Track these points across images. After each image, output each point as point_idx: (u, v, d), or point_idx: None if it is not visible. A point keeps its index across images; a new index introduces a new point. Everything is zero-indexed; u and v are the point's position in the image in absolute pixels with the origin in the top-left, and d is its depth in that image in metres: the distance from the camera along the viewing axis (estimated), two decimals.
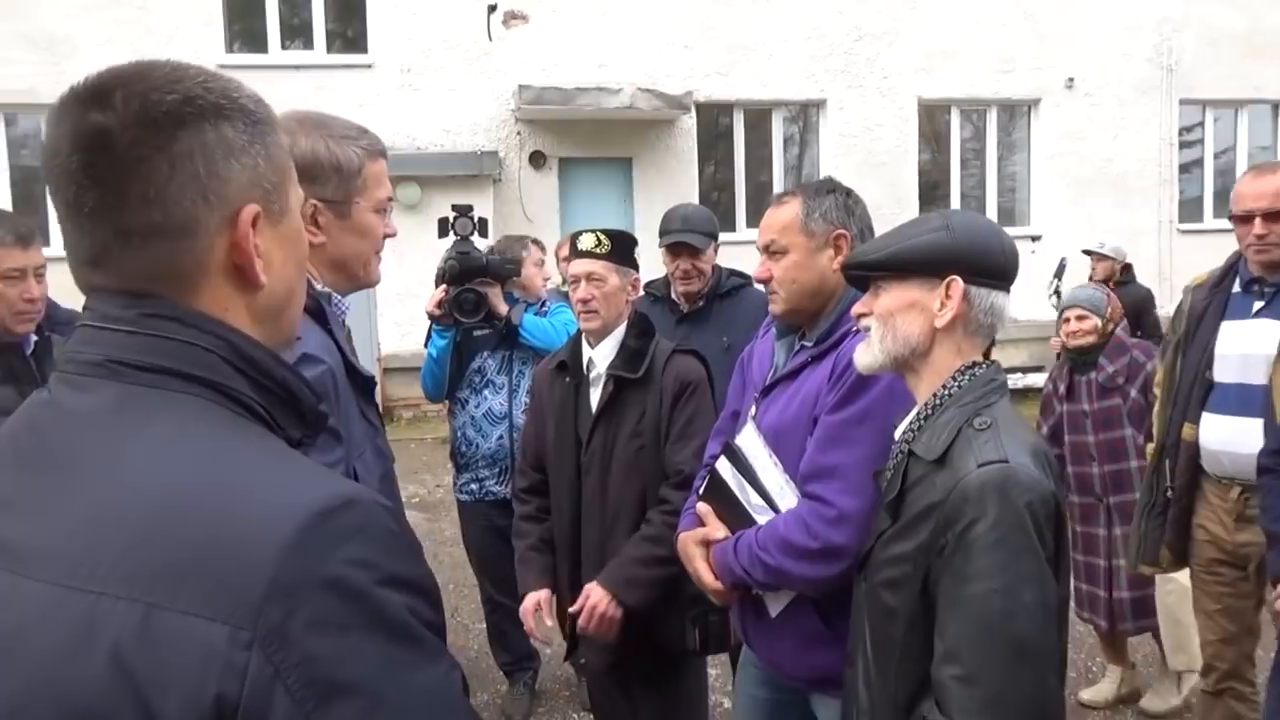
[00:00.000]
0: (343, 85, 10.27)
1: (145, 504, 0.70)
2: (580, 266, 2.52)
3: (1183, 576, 3.19)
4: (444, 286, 3.32)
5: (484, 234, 3.44)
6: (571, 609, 2.43)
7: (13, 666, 0.67)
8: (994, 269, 1.47)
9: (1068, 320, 3.59)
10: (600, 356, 2.55)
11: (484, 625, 3.88)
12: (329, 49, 10.68)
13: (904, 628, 1.38)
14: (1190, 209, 12.22)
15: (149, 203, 0.76)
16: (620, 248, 2.55)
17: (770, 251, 2.00)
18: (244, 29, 10.59)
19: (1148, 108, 11.77)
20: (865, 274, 1.55)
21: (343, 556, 0.69)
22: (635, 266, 2.62)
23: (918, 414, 1.47)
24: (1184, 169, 12.27)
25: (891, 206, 11.04)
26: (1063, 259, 6.83)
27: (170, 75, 0.79)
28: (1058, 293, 6.46)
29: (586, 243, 2.53)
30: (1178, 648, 3.44)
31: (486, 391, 3.54)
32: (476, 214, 3.40)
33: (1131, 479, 3.41)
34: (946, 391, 1.44)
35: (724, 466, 2.02)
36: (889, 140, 11.41)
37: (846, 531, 1.75)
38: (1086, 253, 6.65)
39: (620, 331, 2.56)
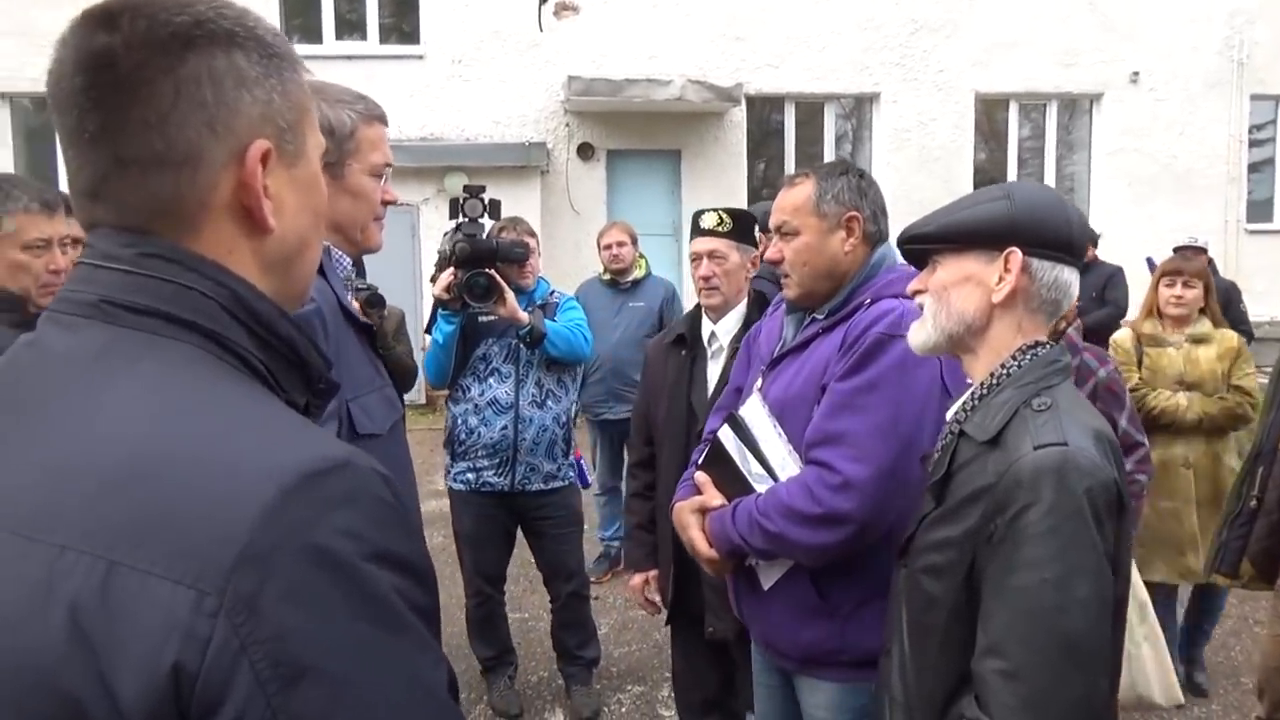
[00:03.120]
0: (394, 76, 10.34)
1: (117, 451, 0.65)
2: (702, 244, 2.63)
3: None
4: (451, 270, 3.18)
5: (495, 216, 3.32)
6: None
7: None
8: (1058, 240, 1.36)
9: None
10: (724, 330, 2.65)
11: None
12: (382, 40, 10.77)
13: (945, 618, 1.29)
14: (1259, 209, 11.79)
15: (150, 128, 0.72)
16: (741, 226, 2.64)
17: (782, 233, 1.98)
18: (301, 23, 10.74)
19: (1216, 103, 11.36)
20: (921, 248, 1.45)
21: (329, 524, 0.63)
22: (754, 244, 2.70)
23: (972, 394, 1.37)
24: (1253, 168, 11.84)
25: (945, 202, 10.80)
26: (1149, 259, 6.55)
27: None
28: None
29: (709, 221, 2.62)
30: None
31: (492, 380, 3.40)
32: (489, 196, 3.25)
33: None
34: (1005, 371, 1.34)
35: (727, 436, 2.01)
36: (944, 135, 11.17)
37: (851, 499, 1.73)
38: (1178, 250, 6.35)
39: (742, 307, 2.65)
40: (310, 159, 0.83)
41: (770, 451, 1.93)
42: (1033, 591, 1.16)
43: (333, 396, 0.88)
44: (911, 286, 1.48)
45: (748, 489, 1.94)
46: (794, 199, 1.97)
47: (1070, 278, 1.37)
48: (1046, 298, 1.37)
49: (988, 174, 11.55)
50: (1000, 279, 1.35)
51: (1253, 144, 11.75)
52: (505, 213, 3.53)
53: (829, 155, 11.37)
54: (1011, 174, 11.66)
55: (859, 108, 11.45)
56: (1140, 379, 3.64)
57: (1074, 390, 1.34)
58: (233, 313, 0.74)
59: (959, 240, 1.38)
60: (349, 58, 10.37)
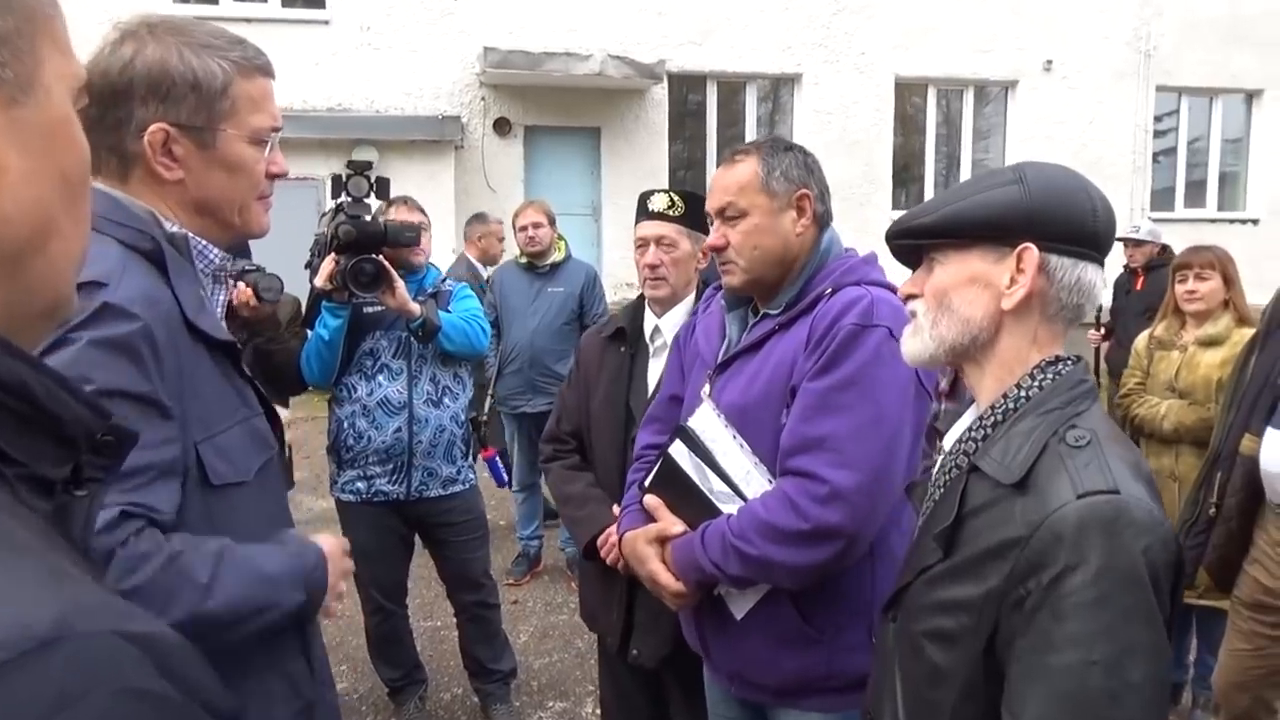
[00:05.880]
0: (298, 42, 9.75)
1: None
2: (650, 229, 2.35)
3: None
4: (333, 256, 2.83)
5: (382, 196, 2.99)
6: None
7: None
8: (1081, 233, 1.13)
9: None
10: (669, 326, 2.36)
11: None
12: (285, 4, 10.14)
13: (958, 696, 1.06)
14: (1162, 197, 12.12)
15: None
16: (693, 211, 2.36)
17: (725, 216, 1.77)
18: None
19: (1124, 93, 11.61)
20: (916, 243, 1.21)
21: None
22: (706, 231, 2.42)
23: (980, 420, 1.14)
24: (1156, 157, 12.14)
25: (865, 186, 10.79)
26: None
27: None
28: None
29: (658, 204, 2.35)
30: None
31: (381, 377, 3.05)
32: (375, 174, 2.91)
33: None
34: (1022, 393, 1.11)
35: (679, 452, 1.78)
36: (865, 119, 11.13)
37: (840, 510, 1.56)
38: (1120, 240, 6.25)
39: (690, 300, 2.38)
40: (50, 94, 0.55)
41: (731, 465, 1.70)
42: (1076, 675, 0.93)
43: (125, 452, 0.60)
44: (904, 290, 1.24)
45: (712, 510, 1.71)
46: (738, 177, 1.75)
47: (1094, 277, 1.14)
48: (1067, 302, 1.13)
49: (903, 159, 11.59)
50: (1012, 281, 1.12)
51: (1157, 134, 12.05)
52: (418, 189, 3.19)
53: (750, 136, 11.21)
54: (929, 158, 11.72)
55: (780, 88, 11.31)
56: (1138, 384, 3.47)
57: (1105, 417, 1.11)
58: None
59: (963, 234, 1.15)
60: (248, 20, 9.71)
